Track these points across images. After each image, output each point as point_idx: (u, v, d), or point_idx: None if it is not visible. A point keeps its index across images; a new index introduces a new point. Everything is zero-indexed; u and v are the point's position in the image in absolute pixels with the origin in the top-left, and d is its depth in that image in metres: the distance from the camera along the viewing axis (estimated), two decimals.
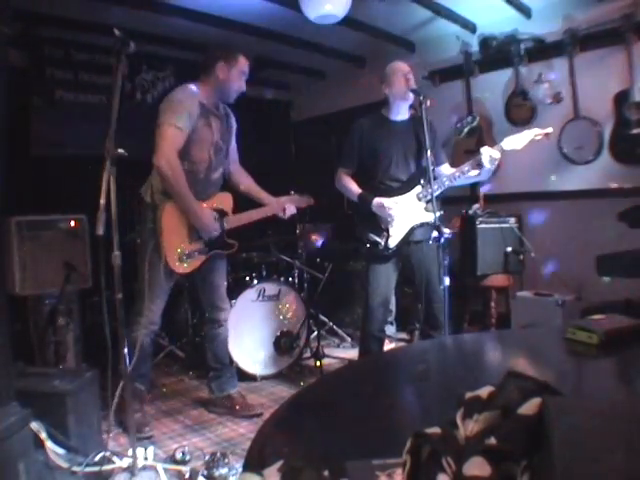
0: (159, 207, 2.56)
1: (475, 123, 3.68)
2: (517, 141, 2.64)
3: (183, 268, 2.62)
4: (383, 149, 2.80)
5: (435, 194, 2.63)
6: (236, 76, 2.67)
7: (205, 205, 2.69)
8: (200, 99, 2.61)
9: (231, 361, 3.10)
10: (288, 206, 2.94)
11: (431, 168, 2.55)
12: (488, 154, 2.62)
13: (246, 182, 2.99)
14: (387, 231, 2.73)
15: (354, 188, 2.85)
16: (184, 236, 2.62)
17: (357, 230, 2.87)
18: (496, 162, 2.66)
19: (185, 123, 2.53)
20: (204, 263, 2.72)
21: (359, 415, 0.88)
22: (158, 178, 2.58)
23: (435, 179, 2.69)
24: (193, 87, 2.63)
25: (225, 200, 2.82)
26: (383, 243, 2.73)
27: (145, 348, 2.67)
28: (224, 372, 2.94)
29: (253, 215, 2.88)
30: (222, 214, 2.77)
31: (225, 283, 2.96)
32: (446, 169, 2.88)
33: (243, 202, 2.98)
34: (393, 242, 2.74)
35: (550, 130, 2.69)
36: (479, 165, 2.65)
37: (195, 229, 2.64)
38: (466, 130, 3.83)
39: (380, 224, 2.74)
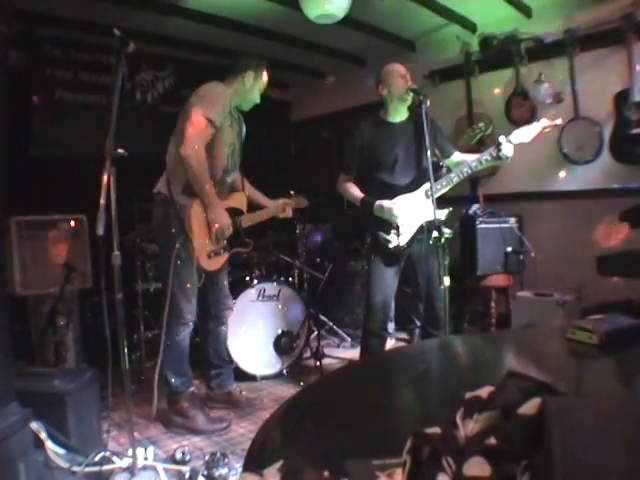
0: (185, 206, 2.53)
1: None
2: (526, 134, 2.63)
3: (212, 265, 2.66)
4: (385, 153, 2.78)
5: (443, 191, 2.66)
6: (258, 88, 2.77)
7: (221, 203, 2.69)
8: (229, 98, 2.65)
9: (231, 360, 3.14)
10: (287, 207, 3.10)
11: (431, 168, 2.53)
12: (508, 144, 2.61)
13: (247, 187, 3.02)
14: (398, 229, 2.71)
15: (356, 193, 2.83)
16: (208, 234, 2.61)
17: (367, 228, 2.83)
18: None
19: (217, 117, 2.53)
20: (227, 261, 2.79)
21: (359, 415, 0.88)
22: (177, 175, 2.54)
23: (440, 178, 2.69)
24: (224, 86, 2.66)
25: (241, 200, 2.87)
26: (394, 241, 2.70)
27: (187, 349, 2.72)
28: (225, 369, 3.00)
29: (263, 215, 2.98)
30: (238, 213, 2.80)
31: (227, 282, 3.00)
32: (457, 157, 2.86)
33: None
34: (404, 240, 2.72)
35: (559, 122, 2.68)
36: (498, 156, 2.62)
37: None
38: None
39: (391, 223, 2.71)
